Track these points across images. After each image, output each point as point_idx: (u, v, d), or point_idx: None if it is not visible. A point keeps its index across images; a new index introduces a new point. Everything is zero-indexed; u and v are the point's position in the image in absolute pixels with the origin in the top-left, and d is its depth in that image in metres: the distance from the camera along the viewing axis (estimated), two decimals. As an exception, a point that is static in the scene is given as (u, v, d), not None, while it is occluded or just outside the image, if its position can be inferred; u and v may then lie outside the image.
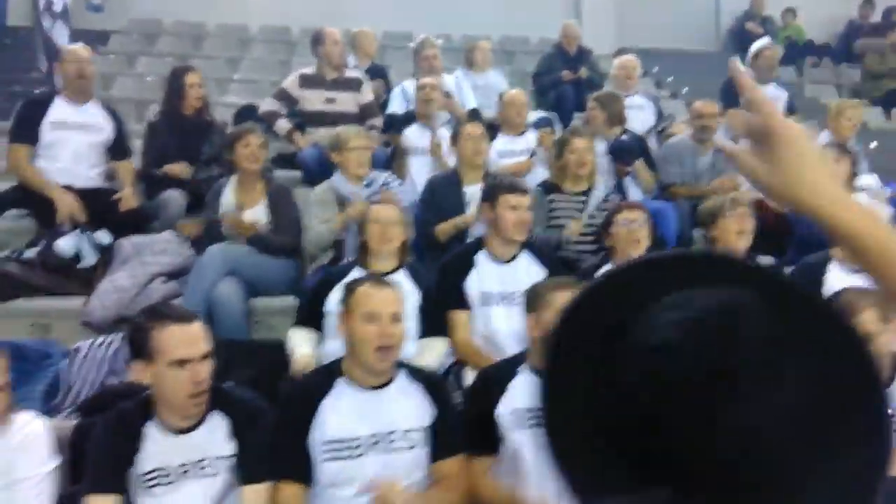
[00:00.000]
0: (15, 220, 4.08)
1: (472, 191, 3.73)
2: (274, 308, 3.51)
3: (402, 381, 2.18)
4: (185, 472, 1.97)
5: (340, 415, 2.08)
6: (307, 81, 4.81)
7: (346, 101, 4.80)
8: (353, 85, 4.84)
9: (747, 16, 9.22)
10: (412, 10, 8.22)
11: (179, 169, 4.11)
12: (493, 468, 2.18)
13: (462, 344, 2.94)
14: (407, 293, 2.94)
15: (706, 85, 6.07)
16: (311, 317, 2.99)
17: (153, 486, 1.95)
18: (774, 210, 3.56)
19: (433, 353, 2.87)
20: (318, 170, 4.24)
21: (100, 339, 3.12)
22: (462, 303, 2.99)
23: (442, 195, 3.66)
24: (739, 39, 8.89)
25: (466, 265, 3.02)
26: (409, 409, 2.14)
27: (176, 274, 3.63)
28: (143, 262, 3.58)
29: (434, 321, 2.96)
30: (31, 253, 3.60)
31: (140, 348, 1.92)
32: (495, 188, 3.03)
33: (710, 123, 4.34)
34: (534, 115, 5.02)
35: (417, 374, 2.23)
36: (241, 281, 3.36)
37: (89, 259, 3.62)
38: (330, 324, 2.88)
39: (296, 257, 3.65)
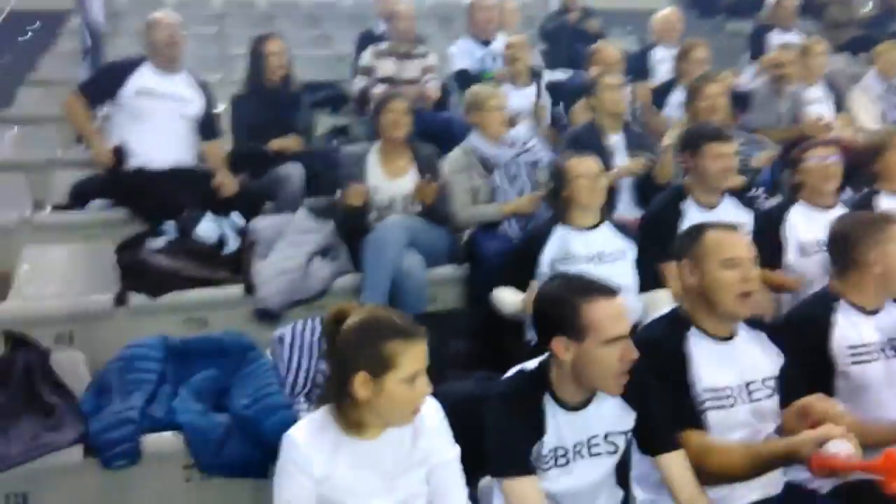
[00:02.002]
0: (96, 212, 3.70)
1: (615, 140, 3.72)
2: (446, 278, 3.37)
3: (744, 331, 2.14)
4: (578, 451, 1.87)
5: (710, 365, 2.03)
6: (381, 54, 4.65)
7: (412, 68, 4.67)
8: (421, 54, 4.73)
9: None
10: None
11: (291, 143, 3.84)
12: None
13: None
14: (623, 247, 2.93)
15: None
16: (518, 277, 2.89)
17: (549, 468, 1.84)
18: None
19: (666, 306, 2.84)
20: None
21: (300, 326, 2.89)
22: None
23: (584, 148, 3.59)
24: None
25: (675, 215, 3.00)
26: (761, 357, 2.11)
27: (325, 251, 3.41)
28: (295, 243, 3.34)
29: (647, 274, 2.93)
30: (160, 242, 3.28)
31: (563, 325, 1.78)
32: (699, 137, 3.01)
33: (788, 71, 4.49)
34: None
35: (755, 323, 2.19)
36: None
37: (233, 244, 3.34)
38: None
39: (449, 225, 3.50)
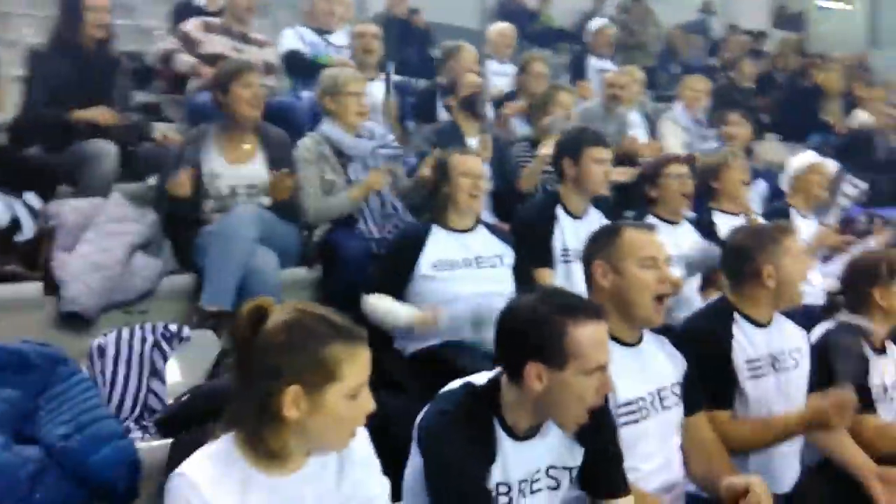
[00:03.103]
0: None
1: (473, 143, 3.57)
2: (297, 281, 2.97)
3: (648, 336, 2.04)
4: (522, 490, 1.61)
5: (623, 376, 1.88)
6: (211, 28, 4.09)
7: (252, 55, 4.18)
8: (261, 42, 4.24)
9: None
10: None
11: (103, 114, 3.20)
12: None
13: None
14: (501, 252, 2.76)
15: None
16: (390, 281, 2.62)
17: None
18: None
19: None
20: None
21: (125, 334, 2.35)
22: (547, 260, 2.87)
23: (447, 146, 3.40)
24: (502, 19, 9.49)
25: (550, 221, 2.89)
26: (666, 363, 2.02)
27: (144, 245, 2.86)
28: (109, 233, 2.76)
29: (522, 281, 2.79)
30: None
31: (542, 349, 1.50)
32: (580, 142, 2.93)
33: (620, 93, 4.67)
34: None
35: (655, 329, 2.10)
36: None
37: (27, 231, 2.68)
38: (418, 289, 2.58)
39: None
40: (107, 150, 3.08)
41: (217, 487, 1.26)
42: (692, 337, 2.18)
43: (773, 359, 2.22)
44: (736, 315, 2.22)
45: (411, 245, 2.62)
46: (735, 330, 2.20)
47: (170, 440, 2.05)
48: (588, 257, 2.01)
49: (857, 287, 2.40)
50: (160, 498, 1.96)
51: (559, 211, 2.93)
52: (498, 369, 1.62)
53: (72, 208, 2.82)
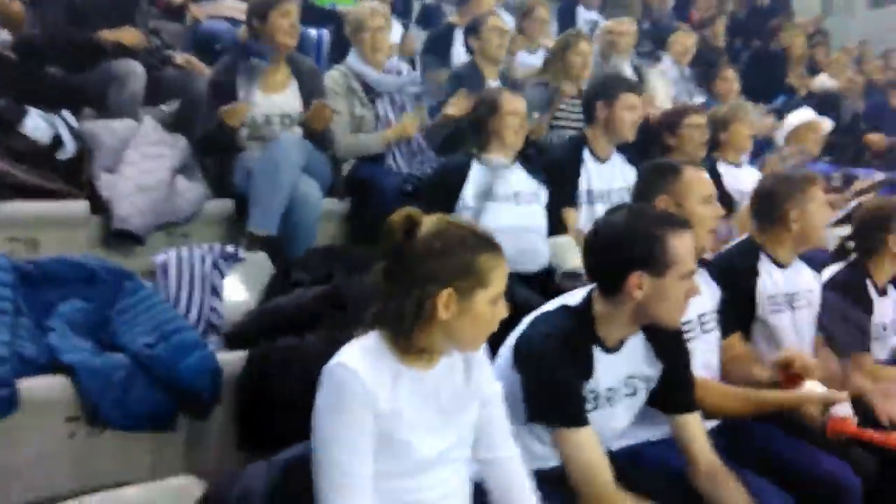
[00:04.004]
0: None
1: (494, 85, 3.64)
2: (327, 212, 3.02)
3: None
4: (608, 397, 1.76)
5: None
6: None
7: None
8: None
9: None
10: None
11: (131, 35, 3.16)
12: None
13: (578, 241, 2.97)
14: (536, 189, 2.89)
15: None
16: (434, 213, 2.71)
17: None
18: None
19: (571, 251, 2.86)
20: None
21: (185, 253, 2.40)
22: (573, 201, 3.01)
23: (468, 88, 3.47)
24: None
25: (576, 163, 3.02)
26: (706, 290, 2.18)
27: (180, 170, 2.88)
28: (149, 155, 2.77)
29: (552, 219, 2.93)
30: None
31: (645, 259, 1.64)
32: (615, 86, 3.04)
33: (618, 41, 4.79)
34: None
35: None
36: (313, 179, 2.85)
37: (69, 148, 2.66)
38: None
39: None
40: (136, 70, 3.04)
41: (373, 375, 1.37)
42: (723, 271, 2.36)
43: (791, 297, 2.41)
44: (761, 254, 2.41)
45: (455, 177, 2.71)
46: (760, 268, 2.39)
47: (241, 352, 2.15)
48: (647, 193, 2.15)
49: (870, 232, 2.61)
50: (237, 405, 2.09)
51: (586, 154, 3.06)
52: (587, 288, 1.76)
53: (108, 129, 2.82)
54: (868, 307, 2.59)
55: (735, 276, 2.35)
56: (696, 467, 1.76)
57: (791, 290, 2.42)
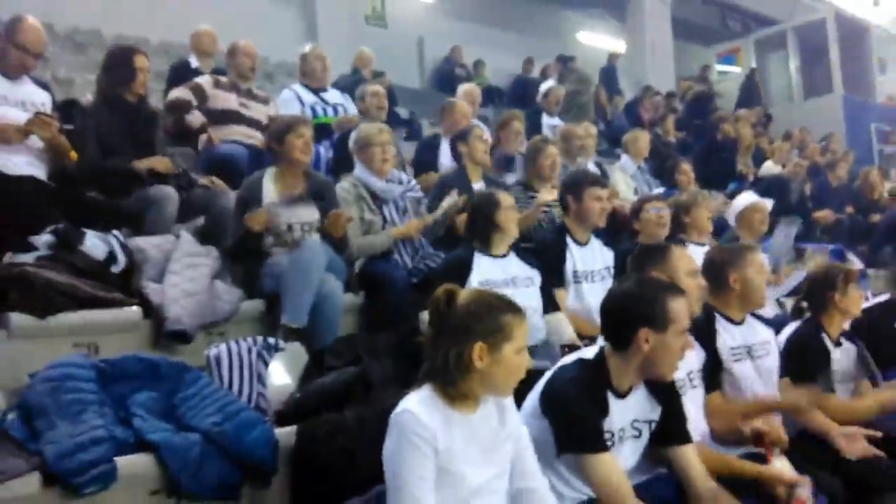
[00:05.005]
0: None
1: (479, 187, 4.11)
2: (345, 306, 3.39)
3: None
4: (621, 436, 2.10)
5: None
6: (220, 85, 4.53)
7: (258, 110, 4.65)
8: (263, 99, 4.71)
9: (449, 62, 10.69)
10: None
11: (163, 164, 3.59)
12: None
13: (570, 318, 3.37)
14: (531, 274, 3.29)
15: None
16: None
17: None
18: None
19: (569, 327, 3.24)
20: (249, 168, 4.05)
21: (234, 346, 2.73)
22: (562, 281, 3.42)
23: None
24: (443, 80, 10.28)
25: (562, 248, 3.45)
26: (693, 353, 2.57)
27: (216, 276, 3.25)
28: (190, 265, 3.14)
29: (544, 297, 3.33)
30: (28, 257, 2.86)
31: (649, 317, 2.02)
32: (582, 182, 3.53)
33: (584, 143, 5.37)
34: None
35: None
36: (333, 278, 3.23)
37: (121, 262, 3.02)
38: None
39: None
40: (170, 195, 3.45)
41: (430, 418, 1.72)
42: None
43: (749, 348, 2.79)
44: (716, 315, 2.79)
45: (462, 267, 3.11)
46: (717, 326, 2.77)
47: (290, 427, 2.46)
48: (640, 269, 2.54)
49: (819, 293, 3.05)
50: (291, 474, 2.38)
51: (568, 240, 3.51)
52: (600, 345, 2.14)
53: (153, 245, 3.20)
54: (826, 357, 2.99)
55: (698, 336, 2.75)
56: (695, 491, 2.09)
57: (748, 342, 2.78)
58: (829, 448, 2.68)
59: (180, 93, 4.43)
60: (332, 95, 5.20)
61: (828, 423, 2.75)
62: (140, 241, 3.19)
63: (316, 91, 5.14)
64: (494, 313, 1.78)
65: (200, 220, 3.68)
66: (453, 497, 1.74)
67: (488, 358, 1.75)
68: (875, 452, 2.55)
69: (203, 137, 4.36)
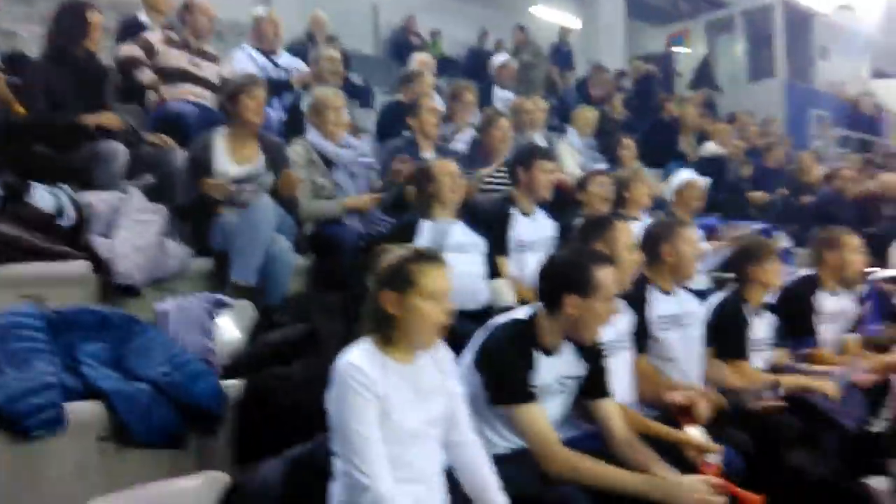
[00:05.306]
0: None
1: (430, 157, 4.20)
2: (302, 267, 3.47)
3: None
4: (548, 390, 2.25)
5: None
6: (171, 42, 4.48)
7: (208, 69, 4.62)
8: (214, 57, 4.68)
9: (404, 30, 10.67)
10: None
11: (111, 119, 3.58)
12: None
13: (513, 283, 3.51)
14: (477, 241, 3.41)
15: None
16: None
17: None
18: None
19: (511, 292, 3.38)
20: (198, 127, 4.04)
21: (184, 302, 2.80)
22: (504, 250, 3.56)
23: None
24: (398, 49, 10.26)
25: (505, 217, 3.58)
26: (622, 317, 2.73)
27: (165, 233, 3.28)
28: (139, 221, 3.17)
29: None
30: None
31: (576, 285, 2.17)
32: (531, 154, 3.65)
33: (533, 117, 5.48)
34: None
35: None
36: (283, 238, 3.30)
37: (70, 216, 3.03)
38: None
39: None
40: (118, 150, 3.46)
41: (371, 368, 1.83)
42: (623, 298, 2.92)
43: (677, 318, 2.95)
44: (648, 285, 2.95)
45: (407, 233, 3.21)
46: (648, 295, 2.92)
47: (237, 380, 2.56)
48: (585, 240, 2.72)
49: (741, 265, 3.25)
50: (237, 424, 2.47)
51: (513, 210, 3.63)
52: (534, 306, 2.28)
53: (102, 200, 3.21)
54: (745, 325, 3.20)
55: (630, 303, 2.91)
56: (614, 439, 2.26)
57: (676, 311, 2.95)
58: (739, 405, 2.89)
59: (129, 49, 4.37)
60: (284, 59, 5.20)
61: (739, 382, 2.96)
62: (89, 196, 3.20)
63: (267, 54, 5.13)
64: (400, 262, 1.90)
65: (149, 178, 3.69)
66: (394, 439, 1.86)
67: (399, 306, 1.87)
68: (781, 405, 2.76)
69: (152, 95, 4.33)
